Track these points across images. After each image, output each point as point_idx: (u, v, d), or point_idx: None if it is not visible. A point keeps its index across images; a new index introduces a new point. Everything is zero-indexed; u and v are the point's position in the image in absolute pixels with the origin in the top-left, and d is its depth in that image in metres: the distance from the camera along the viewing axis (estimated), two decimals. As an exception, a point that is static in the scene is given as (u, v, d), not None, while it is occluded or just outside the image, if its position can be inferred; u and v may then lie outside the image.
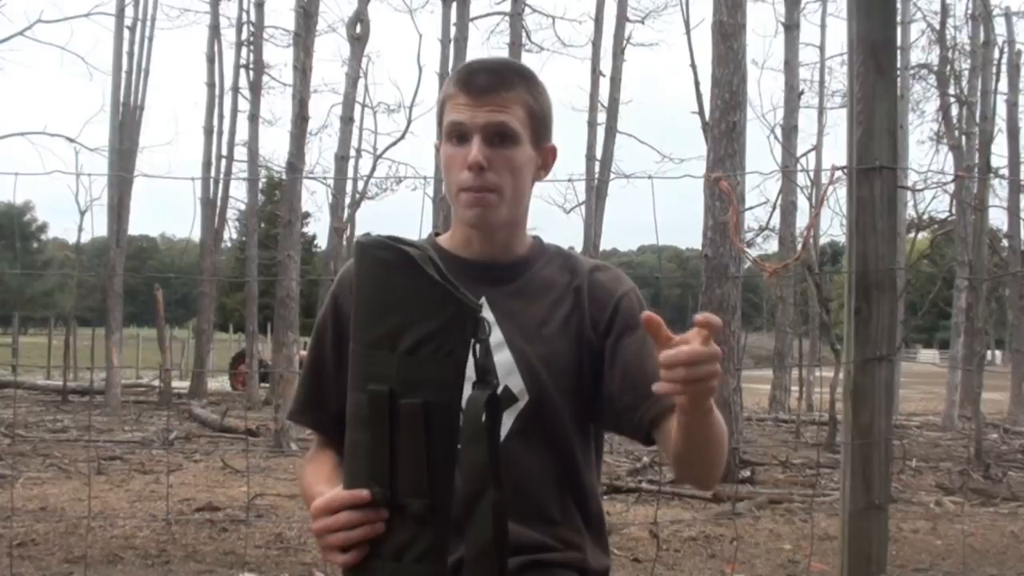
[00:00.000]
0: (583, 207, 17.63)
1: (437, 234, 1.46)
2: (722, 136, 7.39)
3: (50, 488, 6.28)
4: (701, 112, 12.92)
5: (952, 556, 4.93)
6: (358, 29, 16.03)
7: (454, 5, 15.00)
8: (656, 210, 3.37)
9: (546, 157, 1.39)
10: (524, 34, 15.56)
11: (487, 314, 1.32)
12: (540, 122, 1.36)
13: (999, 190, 15.50)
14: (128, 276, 16.91)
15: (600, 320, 1.37)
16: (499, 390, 1.11)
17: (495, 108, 1.30)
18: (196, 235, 17.56)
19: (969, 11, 14.79)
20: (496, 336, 1.31)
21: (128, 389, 15.63)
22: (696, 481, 1.37)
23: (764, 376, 17.56)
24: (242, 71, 17.73)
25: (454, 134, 1.32)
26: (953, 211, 12.91)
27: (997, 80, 14.96)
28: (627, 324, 1.35)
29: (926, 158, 20.74)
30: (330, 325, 1.40)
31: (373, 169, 20.48)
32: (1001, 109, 15.20)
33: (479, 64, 1.37)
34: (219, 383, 18.37)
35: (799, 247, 11.01)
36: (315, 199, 55.41)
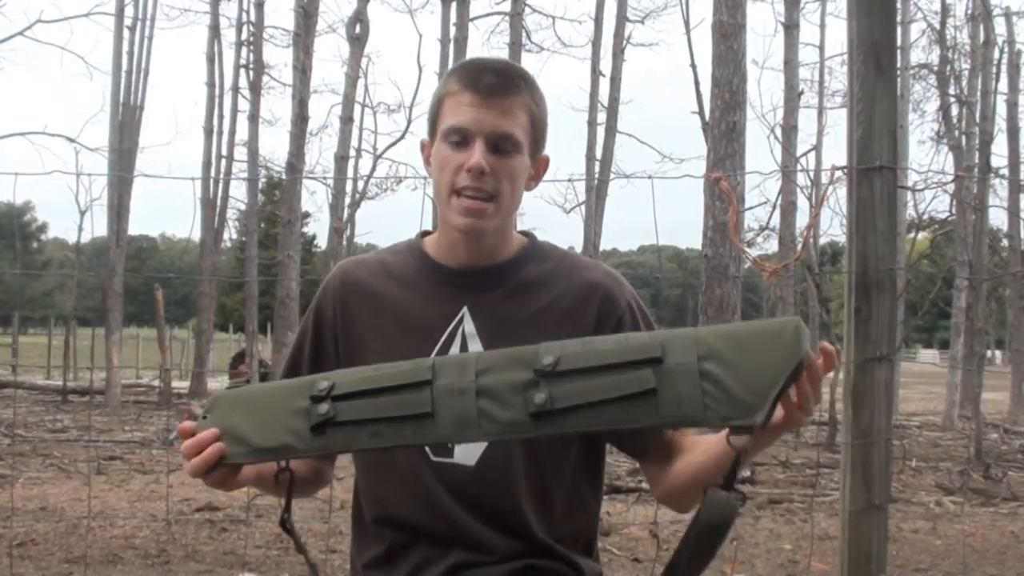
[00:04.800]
0: (583, 207, 17.63)
1: (426, 233, 1.41)
2: (722, 136, 7.39)
3: (50, 488, 6.28)
4: (701, 112, 12.91)
5: (952, 556, 4.93)
6: (358, 29, 16.01)
7: (454, 5, 14.99)
8: (656, 210, 3.37)
9: (539, 168, 1.35)
10: (524, 34, 15.57)
11: (467, 325, 1.29)
12: (539, 131, 1.32)
13: (999, 190, 15.53)
14: (128, 276, 16.90)
15: (603, 330, 1.30)
16: None
17: (501, 113, 1.26)
18: (196, 235, 17.53)
19: (969, 11, 14.80)
20: (476, 348, 1.27)
21: (128, 389, 15.61)
22: (684, 508, 1.30)
23: (764, 376, 17.49)
24: (242, 71, 17.71)
25: (454, 136, 1.27)
26: (953, 211, 12.90)
27: (997, 80, 14.98)
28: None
29: (926, 158, 20.77)
30: (311, 334, 1.38)
31: (373, 169, 20.48)
32: (1001, 109, 15.23)
33: (486, 63, 1.32)
34: (219, 383, 18.33)
35: (799, 247, 10.99)
36: (315, 199, 55.48)
